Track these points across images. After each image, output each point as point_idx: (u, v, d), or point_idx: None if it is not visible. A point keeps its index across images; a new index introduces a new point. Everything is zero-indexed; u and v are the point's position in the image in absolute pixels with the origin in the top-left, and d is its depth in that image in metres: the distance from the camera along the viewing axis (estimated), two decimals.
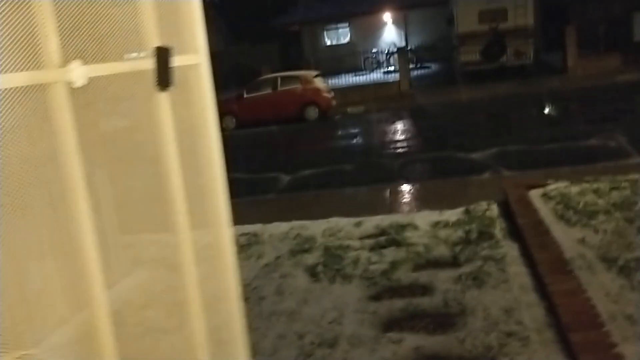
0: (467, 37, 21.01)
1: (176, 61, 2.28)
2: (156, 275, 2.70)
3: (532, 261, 4.58)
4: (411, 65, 23.43)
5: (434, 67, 27.72)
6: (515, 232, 5.35)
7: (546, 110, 14.30)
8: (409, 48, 26.55)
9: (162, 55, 2.20)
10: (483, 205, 6.27)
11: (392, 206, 7.58)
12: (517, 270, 4.57)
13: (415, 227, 5.90)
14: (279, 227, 6.45)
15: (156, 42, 2.22)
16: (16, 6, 1.72)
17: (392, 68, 26.75)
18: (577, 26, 20.78)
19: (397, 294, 4.49)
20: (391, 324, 4.02)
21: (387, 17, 31.53)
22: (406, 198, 8.06)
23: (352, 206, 7.55)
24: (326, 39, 33.08)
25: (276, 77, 18.83)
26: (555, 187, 6.33)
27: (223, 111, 18.36)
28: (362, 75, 24.65)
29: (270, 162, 12.30)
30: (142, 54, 2.21)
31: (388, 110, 17.89)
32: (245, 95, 18.30)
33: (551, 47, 23.13)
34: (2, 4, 1.68)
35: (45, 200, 2.11)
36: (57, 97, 1.82)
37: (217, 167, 2.63)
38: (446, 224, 5.87)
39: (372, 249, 5.46)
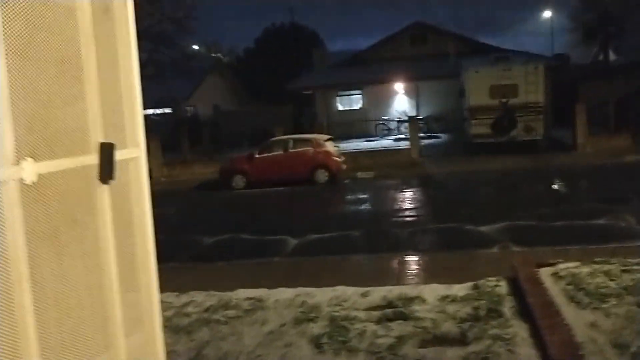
0: (478, 110, 21.35)
1: (118, 155, 2.40)
2: None
3: (542, 343, 4.48)
4: (421, 134, 23.72)
5: (443, 137, 28.04)
6: (524, 312, 5.26)
7: (555, 187, 14.32)
8: (419, 117, 26.98)
9: (106, 150, 2.32)
10: (492, 281, 6.20)
11: (399, 277, 7.51)
12: (527, 352, 4.47)
13: (423, 301, 5.82)
14: (284, 293, 6.37)
15: (101, 138, 2.33)
16: None
17: (402, 136, 27.10)
18: (588, 104, 21.09)
19: None
20: None
21: (399, 86, 32.20)
22: (414, 269, 7.98)
23: (359, 275, 7.48)
24: (339, 104, 33.73)
25: (288, 139, 19.10)
26: (565, 266, 6.27)
27: (233, 170, 18.67)
28: (373, 141, 24.99)
29: (278, 225, 12.29)
30: (87, 150, 2.31)
31: (398, 178, 18.00)
32: (257, 155, 18.50)
33: (561, 123, 23.43)
34: None
35: None
36: (10, 193, 1.89)
37: (151, 260, 2.69)
38: (454, 299, 5.79)
39: (378, 321, 5.37)
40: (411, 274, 7.70)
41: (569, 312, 5.01)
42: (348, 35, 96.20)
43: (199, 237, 11.30)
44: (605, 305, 5.07)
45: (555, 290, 5.59)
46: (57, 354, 2.31)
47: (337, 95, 33.61)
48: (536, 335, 4.70)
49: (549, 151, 20.49)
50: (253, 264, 8.93)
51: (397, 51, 33.18)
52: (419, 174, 18.56)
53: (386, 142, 25.26)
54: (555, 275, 6.05)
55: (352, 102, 33.72)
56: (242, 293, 6.46)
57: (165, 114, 34.27)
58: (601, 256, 6.66)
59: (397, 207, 13.90)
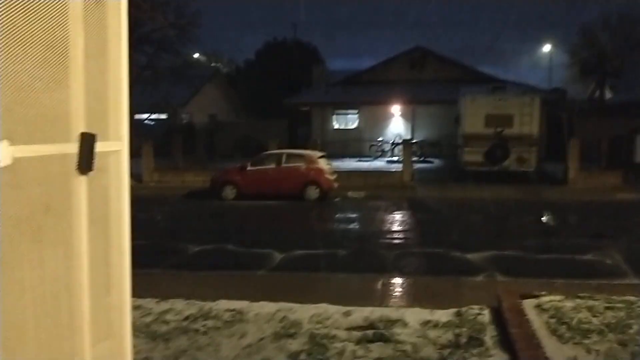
0: (472, 138, 21.44)
1: (99, 147, 2.36)
2: None
3: None
4: (414, 158, 23.78)
5: (436, 162, 28.12)
6: (506, 342, 5.21)
7: (544, 219, 14.35)
8: (414, 141, 27.06)
9: (87, 140, 2.29)
10: (475, 309, 6.15)
11: (383, 298, 7.45)
12: None
13: (404, 324, 5.76)
14: (266, 307, 6.30)
15: (82, 128, 2.30)
16: None
17: (395, 158, 27.15)
18: (581, 140, 21.24)
19: None
20: None
21: (395, 109, 32.36)
22: (398, 291, 7.93)
23: (342, 293, 7.42)
24: (335, 122, 33.83)
25: (281, 154, 19.06)
26: (549, 299, 6.23)
27: (224, 180, 18.60)
28: (366, 161, 25.01)
29: (265, 238, 12.22)
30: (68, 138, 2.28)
31: (388, 199, 17.98)
32: (249, 167, 18.45)
33: (554, 157, 23.56)
34: None
35: None
36: None
37: (126, 260, 2.62)
38: (436, 324, 5.74)
39: (358, 341, 5.30)
40: (395, 297, 7.65)
41: (550, 346, 4.96)
42: (350, 55, 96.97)
43: (183, 244, 11.21)
44: (586, 341, 5.03)
45: (537, 323, 5.54)
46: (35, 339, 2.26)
47: (334, 114, 33.71)
48: None
49: (541, 184, 20.57)
50: (237, 276, 8.84)
51: (396, 74, 33.38)
52: (409, 197, 18.55)
53: (379, 164, 25.29)
54: (538, 307, 6.01)
55: (348, 121, 33.83)
56: (224, 304, 6.38)
57: (160, 119, 34.21)
58: (586, 291, 6.63)
59: (385, 228, 13.86)
